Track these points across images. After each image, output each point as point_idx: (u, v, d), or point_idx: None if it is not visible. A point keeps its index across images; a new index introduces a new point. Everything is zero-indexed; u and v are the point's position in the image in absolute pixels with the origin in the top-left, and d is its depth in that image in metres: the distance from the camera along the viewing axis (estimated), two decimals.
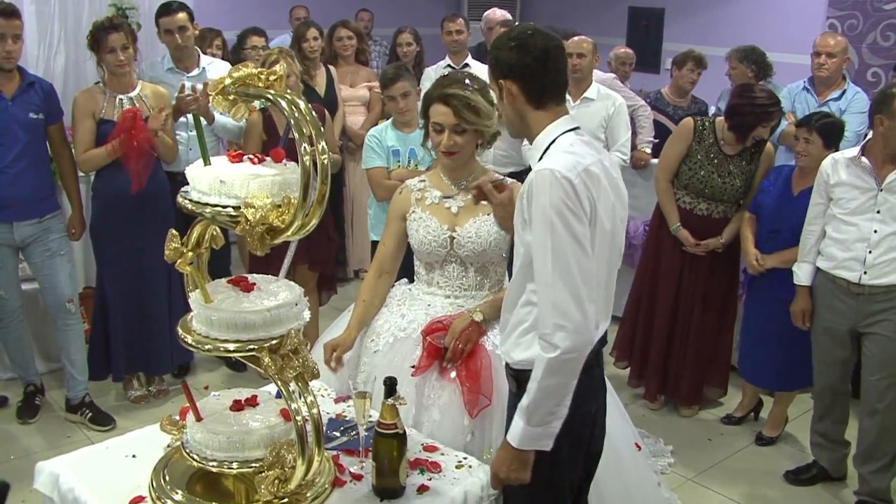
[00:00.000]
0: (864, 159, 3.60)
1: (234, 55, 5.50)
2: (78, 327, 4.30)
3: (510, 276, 3.03)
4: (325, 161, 1.97)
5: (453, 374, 2.77)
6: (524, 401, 2.16)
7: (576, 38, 4.98)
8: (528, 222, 2.18)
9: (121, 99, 4.23)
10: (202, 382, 4.74)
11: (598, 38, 4.93)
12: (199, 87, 4.35)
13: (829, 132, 3.98)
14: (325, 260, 4.75)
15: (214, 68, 4.77)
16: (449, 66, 5.85)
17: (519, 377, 2.29)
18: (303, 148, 1.93)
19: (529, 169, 4.90)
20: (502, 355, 2.41)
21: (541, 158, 2.24)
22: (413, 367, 2.79)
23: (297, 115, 1.96)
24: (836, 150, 3.97)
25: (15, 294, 4.26)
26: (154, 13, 6.18)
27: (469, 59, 5.98)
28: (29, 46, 5.56)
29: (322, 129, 2.00)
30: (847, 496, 3.96)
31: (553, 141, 2.24)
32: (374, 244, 4.10)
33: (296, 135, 1.94)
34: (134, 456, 2.47)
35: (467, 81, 2.85)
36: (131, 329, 4.44)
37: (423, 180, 3.05)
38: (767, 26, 7.49)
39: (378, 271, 3.07)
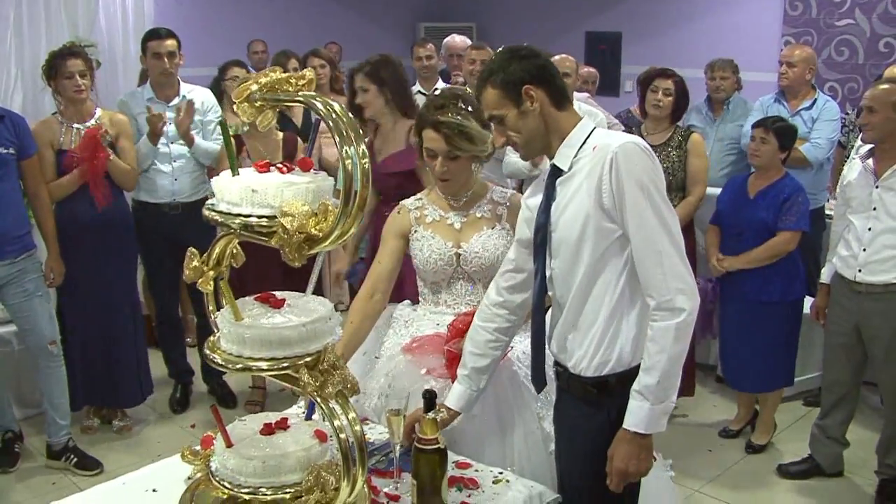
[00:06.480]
0: (869, 161, 3.66)
1: (215, 87, 5.35)
2: (60, 370, 4.09)
3: None
4: (366, 165, 1.89)
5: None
6: (648, 380, 2.11)
7: (558, 57, 4.83)
8: (618, 201, 2.13)
9: (78, 128, 4.16)
10: (189, 421, 4.58)
11: None
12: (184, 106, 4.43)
13: (784, 134, 4.12)
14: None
15: (195, 96, 4.64)
16: (419, 92, 5.79)
17: (602, 383, 2.25)
18: (344, 151, 1.85)
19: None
20: (581, 373, 2.29)
21: (577, 154, 2.22)
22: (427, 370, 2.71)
23: (334, 116, 1.88)
24: (788, 152, 4.13)
25: None
26: (113, 50, 6.16)
27: (439, 84, 5.93)
28: None
29: (361, 130, 1.92)
30: (849, 497, 3.98)
31: (589, 134, 2.23)
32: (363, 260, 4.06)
33: (336, 137, 1.86)
34: (155, 490, 2.34)
35: (461, 105, 2.72)
36: (91, 359, 4.35)
37: (420, 199, 2.96)
38: (724, 45, 7.54)
39: (371, 291, 2.84)
